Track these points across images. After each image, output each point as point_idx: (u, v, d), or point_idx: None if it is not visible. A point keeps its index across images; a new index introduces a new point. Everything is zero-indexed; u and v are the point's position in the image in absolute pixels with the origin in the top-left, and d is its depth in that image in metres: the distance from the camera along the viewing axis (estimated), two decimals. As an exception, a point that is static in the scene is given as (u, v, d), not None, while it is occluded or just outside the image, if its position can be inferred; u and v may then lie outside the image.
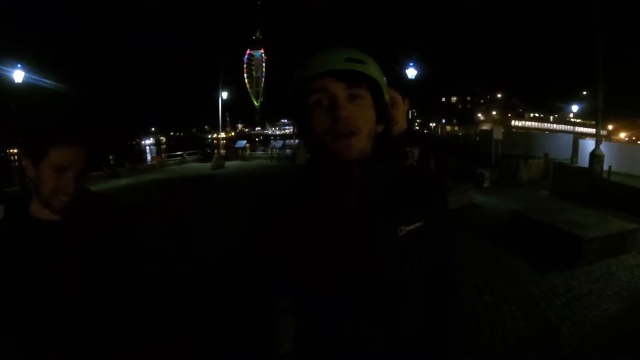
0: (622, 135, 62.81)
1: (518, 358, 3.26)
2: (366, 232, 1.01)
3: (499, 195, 10.23)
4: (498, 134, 17.54)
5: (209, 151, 29.92)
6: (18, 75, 16.32)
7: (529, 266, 5.21)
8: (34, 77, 17.64)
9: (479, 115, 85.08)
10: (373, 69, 1.00)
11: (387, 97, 1.06)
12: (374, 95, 1.03)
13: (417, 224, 1.06)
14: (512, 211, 6.85)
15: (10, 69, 16.31)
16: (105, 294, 1.47)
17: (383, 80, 1.04)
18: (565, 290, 4.42)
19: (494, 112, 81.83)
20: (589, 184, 9.74)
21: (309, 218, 1.03)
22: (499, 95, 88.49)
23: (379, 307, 1.03)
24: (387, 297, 1.03)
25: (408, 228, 1.04)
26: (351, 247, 1.00)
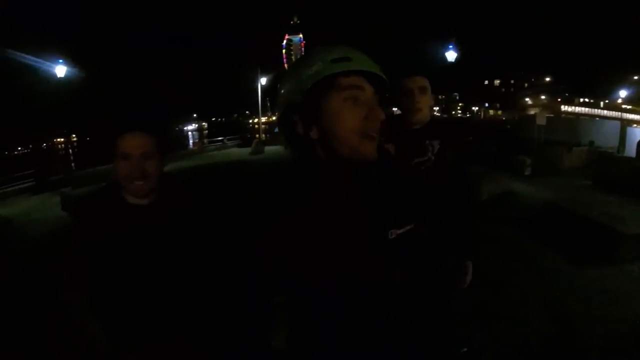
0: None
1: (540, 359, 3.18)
2: (357, 236, 1.02)
3: (539, 184, 9.89)
4: (541, 119, 16.92)
5: (249, 136, 30.23)
6: (60, 70, 16.92)
7: (562, 260, 5.02)
8: (75, 71, 18.23)
9: (526, 99, 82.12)
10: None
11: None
12: (381, 100, 1.06)
13: (409, 227, 1.07)
14: (547, 202, 6.63)
15: (52, 64, 16.95)
16: (184, 272, 1.59)
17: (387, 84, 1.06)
18: (598, 289, 4.21)
19: (542, 97, 78.97)
20: (635, 175, 9.28)
21: (304, 220, 1.04)
22: (548, 79, 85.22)
23: (369, 310, 1.04)
24: (377, 300, 1.05)
25: (399, 231, 1.05)
26: (342, 250, 1.02)
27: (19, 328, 4.06)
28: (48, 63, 17.13)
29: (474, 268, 2.38)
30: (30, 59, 18.31)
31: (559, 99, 69.82)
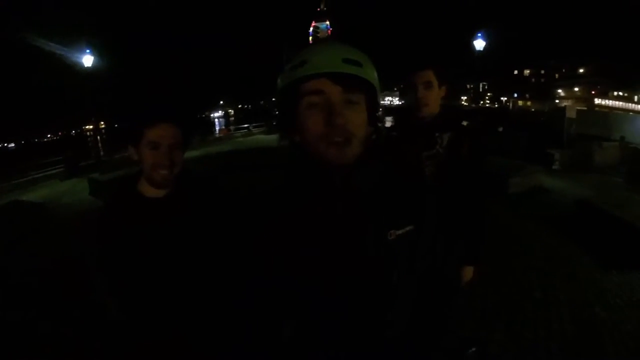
0: None
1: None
2: (352, 238, 1.01)
3: (569, 179, 9.66)
4: (572, 112, 16.49)
5: (274, 123, 30.19)
6: (87, 60, 17.26)
7: (590, 262, 4.86)
8: (101, 61, 18.57)
9: (559, 91, 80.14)
10: (369, 71, 0.99)
11: (379, 99, 1.05)
12: (368, 97, 1.01)
13: (408, 228, 1.05)
14: (579, 200, 6.46)
15: (80, 54, 17.34)
16: (194, 265, 1.63)
17: (377, 82, 1.03)
18: (626, 295, 4.06)
19: (576, 89, 77.01)
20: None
21: (298, 223, 1.04)
22: (581, 71, 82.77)
23: (365, 312, 1.04)
24: (376, 301, 1.04)
25: (398, 232, 1.04)
26: (337, 253, 1.01)
27: (53, 307, 4.24)
28: (76, 53, 17.54)
29: (494, 268, 2.33)
30: (58, 48, 18.72)
31: (593, 92, 67.85)
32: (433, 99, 2.30)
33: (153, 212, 1.62)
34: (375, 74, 1.02)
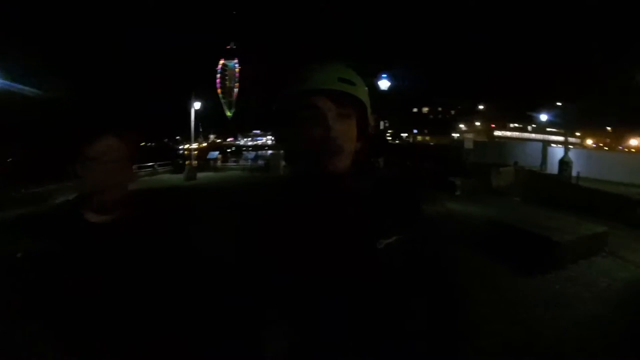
0: (590, 142, 65.06)
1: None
2: (343, 248, 1.01)
3: (472, 203, 10.29)
4: (469, 143, 17.94)
5: (180, 162, 29.54)
6: None
7: (506, 271, 5.26)
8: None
9: (461, 125, 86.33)
10: (362, 91, 1.05)
11: (371, 118, 1.09)
12: (359, 114, 1.06)
13: (397, 237, 1.04)
14: (488, 219, 6.94)
15: None
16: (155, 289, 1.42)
17: (369, 101, 1.08)
18: (542, 293, 4.46)
19: (477, 123, 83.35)
20: (558, 189, 9.96)
21: (291, 232, 1.03)
22: (481, 107, 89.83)
23: (357, 322, 1.00)
24: (366, 312, 1.01)
25: (387, 241, 1.03)
26: (327, 264, 1.00)
27: None
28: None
29: None
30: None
31: (492, 125, 74.13)
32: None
33: (100, 237, 1.40)
34: (367, 95, 1.08)
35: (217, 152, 32.67)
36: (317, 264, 1.00)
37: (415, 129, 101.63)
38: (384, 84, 22.74)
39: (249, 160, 28.59)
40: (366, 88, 1.08)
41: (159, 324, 1.41)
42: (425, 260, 1.10)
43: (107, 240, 1.40)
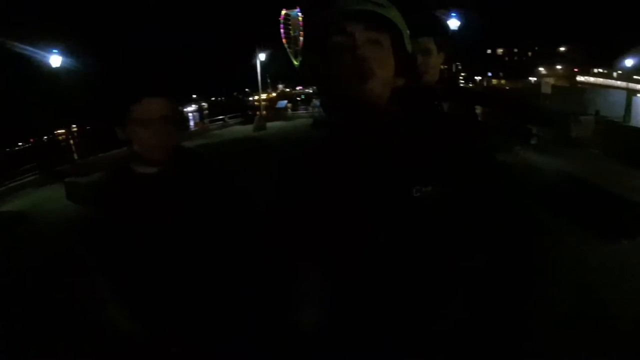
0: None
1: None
2: (374, 191, 0.95)
3: (548, 154, 9.79)
4: (546, 88, 16.80)
5: (250, 113, 30.08)
6: (55, 60, 16.44)
7: (579, 232, 4.96)
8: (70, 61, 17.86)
9: (541, 69, 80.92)
10: (394, 14, 0.97)
11: (409, 46, 1.02)
12: (394, 42, 0.99)
13: (437, 185, 0.94)
14: (563, 173, 6.55)
15: (46, 54, 16.47)
16: (200, 243, 1.52)
17: (405, 27, 1.01)
18: (617, 262, 4.22)
19: (558, 67, 77.92)
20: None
21: (324, 174, 0.99)
22: (562, 49, 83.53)
23: (386, 294, 0.95)
24: (397, 280, 0.93)
25: (425, 189, 0.94)
26: (359, 208, 0.95)
27: (36, 321, 4.07)
28: (43, 53, 16.76)
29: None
30: (24, 49, 17.97)
31: (575, 69, 69.02)
32: (432, 66, 2.18)
33: (147, 187, 1.51)
34: (402, 20, 1.00)
35: (285, 101, 32.82)
36: (349, 208, 0.95)
37: (490, 72, 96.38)
38: (453, 23, 21.64)
39: (317, 108, 28.49)
40: (399, 14, 1.01)
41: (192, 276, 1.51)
42: (477, 215, 0.98)
43: (152, 190, 1.51)
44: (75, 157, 17.38)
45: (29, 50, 17.20)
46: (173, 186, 1.54)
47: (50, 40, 16.96)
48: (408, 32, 1.02)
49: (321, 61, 0.99)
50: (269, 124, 23.33)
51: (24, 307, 4.43)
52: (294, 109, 33.87)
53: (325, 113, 1.08)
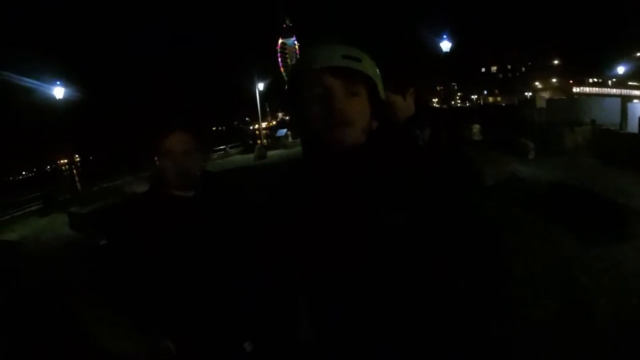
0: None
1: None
2: (352, 224, 0.98)
3: (544, 166, 9.83)
4: (541, 102, 16.92)
5: (250, 142, 30.26)
6: (59, 92, 16.96)
7: (572, 238, 4.99)
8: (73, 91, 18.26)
9: (536, 83, 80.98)
10: (369, 66, 1.03)
11: (382, 93, 1.08)
12: (370, 91, 1.05)
13: (410, 214, 0.97)
14: (554, 182, 6.64)
15: (50, 86, 17.02)
16: (224, 260, 1.59)
17: (378, 76, 1.07)
18: (608, 264, 4.22)
19: (553, 80, 78.00)
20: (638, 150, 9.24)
21: (304, 211, 1.03)
22: (556, 62, 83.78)
23: (368, 310, 0.96)
24: (378, 297, 0.96)
25: (395, 218, 0.97)
26: (338, 242, 0.98)
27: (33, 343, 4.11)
28: (46, 85, 17.23)
29: None
30: (28, 82, 18.43)
31: (571, 81, 69.06)
32: (402, 109, 2.29)
33: (182, 210, 1.67)
34: (376, 70, 1.07)
35: (285, 130, 33.03)
36: (325, 245, 0.98)
37: (485, 89, 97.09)
38: (445, 45, 22.06)
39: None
40: (374, 63, 1.06)
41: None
42: (458, 242, 0.98)
43: (186, 211, 1.67)
44: (79, 186, 17.59)
45: (31, 82, 17.68)
46: (204, 205, 1.70)
47: (55, 72, 17.34)
48: (380, 77, 1.08)
49: (299, 109, 1.04)
50: (269, 153, 23.54)
51: (22, 329, 4.49)
52: (294, 136, 34.00)
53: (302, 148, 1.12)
